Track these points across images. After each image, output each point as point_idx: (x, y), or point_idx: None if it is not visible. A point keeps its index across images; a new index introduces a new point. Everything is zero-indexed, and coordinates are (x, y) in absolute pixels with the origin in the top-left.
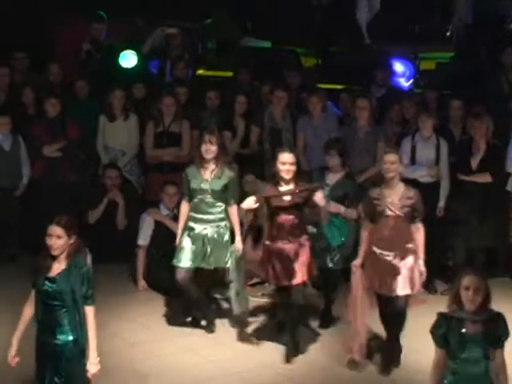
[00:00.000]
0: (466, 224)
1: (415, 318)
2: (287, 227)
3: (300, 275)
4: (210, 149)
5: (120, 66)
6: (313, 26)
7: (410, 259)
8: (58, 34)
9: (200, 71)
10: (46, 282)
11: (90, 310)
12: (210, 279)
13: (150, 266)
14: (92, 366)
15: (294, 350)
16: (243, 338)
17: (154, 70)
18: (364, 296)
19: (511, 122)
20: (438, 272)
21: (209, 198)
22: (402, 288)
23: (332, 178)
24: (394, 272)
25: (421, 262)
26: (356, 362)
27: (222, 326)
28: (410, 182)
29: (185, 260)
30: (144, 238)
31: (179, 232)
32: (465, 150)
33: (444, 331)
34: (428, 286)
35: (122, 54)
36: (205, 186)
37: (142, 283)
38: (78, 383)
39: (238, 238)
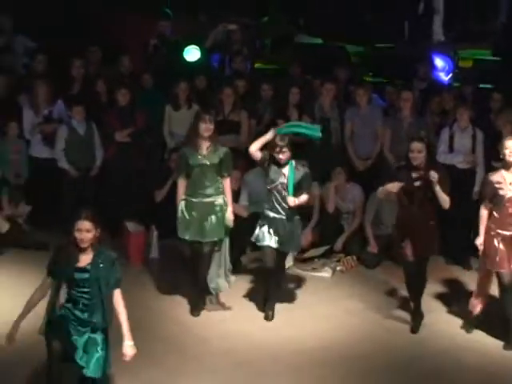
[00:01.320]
0: None
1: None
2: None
3: None
4: (209, 127)
5: (184, 60)
6: (361, 23)
7: None
8: (129, 30)
9: (257, 65)
10: (76, 273)
11: (119, 293)
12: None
13: None
14: (129, 348)
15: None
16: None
17: (215, 64)
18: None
19: None
20: (473, 250)
21: (208, 172)
22: None
23: (285, 171)
24: None
25: None
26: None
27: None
28: (448, 168)
29: (188, 233)
30: None
31: (178, 206)
32: (498, 140)
33: None
34: (463, 263)
35: (186, 48)
36: (204, 160)
37: None
38: (105, 369)
39: (229, 208)
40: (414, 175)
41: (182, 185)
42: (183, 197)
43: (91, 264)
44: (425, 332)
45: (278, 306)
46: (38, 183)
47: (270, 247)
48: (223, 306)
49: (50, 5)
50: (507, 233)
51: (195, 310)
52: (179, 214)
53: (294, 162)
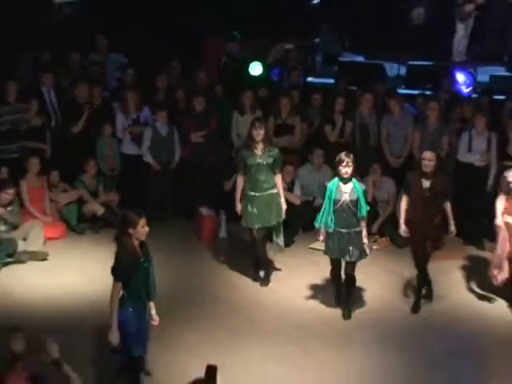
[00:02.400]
0: None
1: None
2: None
3: None
4: (259, 133)
5: (249, 74)
6: (396, 44)
7: None
8: (205, 48)
9: (309, 78)
10: (144, 265)
11: None
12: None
13: None
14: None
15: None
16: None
17: (274, 77)
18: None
19: None
20: (487, 232)
21: (264, 170)
22: None
23: (346, 189)
24: None
25: None
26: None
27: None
28: (467, 165)
29: (255, 222)
30: None
31: (238, 199)
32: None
33: None
34: (478, 244)
35: (251, 64)
36: (259, 160)
37: None
38: None
39: (282, 199)
40: (423, 181)
41: (240, 181)
42: (246, 192)
43: (144, 253)
44: (445, 302)
45: (325, 281)
46: (127, 175)
47: (338, 258)
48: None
49: (141, 26)
50: None
51: (264, 281)
52: (245, 208)
53: (355, 180)
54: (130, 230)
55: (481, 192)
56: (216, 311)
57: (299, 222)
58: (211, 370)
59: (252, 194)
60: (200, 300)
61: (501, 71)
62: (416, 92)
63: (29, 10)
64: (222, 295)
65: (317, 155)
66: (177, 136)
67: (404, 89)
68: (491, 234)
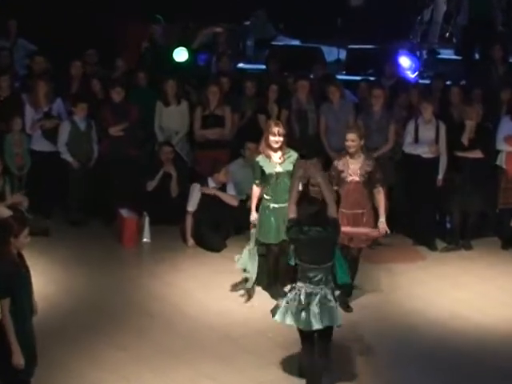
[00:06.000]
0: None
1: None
2: None
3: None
4: (278, 140)
5: (173, 60)
6: (336, 26)
7: None
8: (124, 34)
9: (240, 64)
10: (26, 277)
11: None
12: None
13: (197, 227)
14: None
15: None
16: None
17: (201, 63)
18: None
19: (499, 107)
20: (439, 233)
21: (284, 178)
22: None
23: None
24: None
25: None
26: None
27: None
28: (413, 157)
29: (274, 238)
30: (192, 205)
31: (253, 210)
32: (458, 131)
33: None
34: (429, 244)
35: (175, 50)
36: (279, 168)
37: (190, 241)
38: None
39: None
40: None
41: (256, 191)
42: (265, 201)
43: (24, 265)
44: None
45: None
46: (39, 175)
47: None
48: None
49: (51, 10)
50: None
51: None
52: (260, 218)
53: None
54: (11, 239)
55: (430, 187)
56: (139, 325)
57: (232, 223)
58: None
59: (272, 205)
60: (121, 312)
61: (449, 54)
62: (357, 78)
63: None
64: (146, 306)
65: (250, 149)
66: (95, 131)
67: (344, 74)
68: (444, 232)
